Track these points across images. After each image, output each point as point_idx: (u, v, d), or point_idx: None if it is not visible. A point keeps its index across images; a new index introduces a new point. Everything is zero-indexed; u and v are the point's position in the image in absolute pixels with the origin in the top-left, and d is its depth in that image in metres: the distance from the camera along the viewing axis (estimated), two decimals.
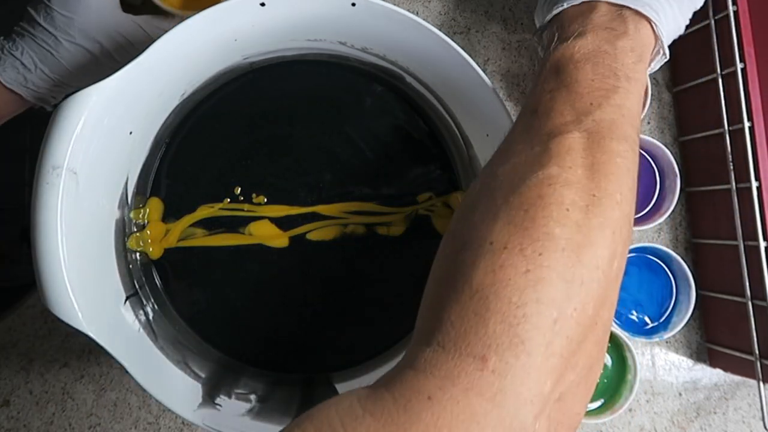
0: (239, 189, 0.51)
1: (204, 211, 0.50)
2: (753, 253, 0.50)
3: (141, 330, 0.45)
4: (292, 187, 0.51)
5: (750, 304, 0.50)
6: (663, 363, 0.57)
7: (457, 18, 0.59)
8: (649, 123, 0.59)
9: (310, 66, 0.52)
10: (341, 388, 0.49)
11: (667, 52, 0.39)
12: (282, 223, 0.51)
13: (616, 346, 0.52)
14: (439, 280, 0.28)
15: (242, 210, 0.51)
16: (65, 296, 0.37)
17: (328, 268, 0.51)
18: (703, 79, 0.54)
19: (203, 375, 0.46)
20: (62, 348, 0.53)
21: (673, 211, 0.54)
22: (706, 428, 0.56)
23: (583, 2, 0.37)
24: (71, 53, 0.43)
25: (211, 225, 0.50)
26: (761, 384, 0.50)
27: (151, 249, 0.50)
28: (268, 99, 0.52)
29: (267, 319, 0.50)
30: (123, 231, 0.48)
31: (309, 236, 0.51)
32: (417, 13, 0.59)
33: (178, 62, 0.45)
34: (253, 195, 0.51)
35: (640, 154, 0.54)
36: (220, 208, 0.51)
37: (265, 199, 0.51)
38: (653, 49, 0.38)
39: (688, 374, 0.57)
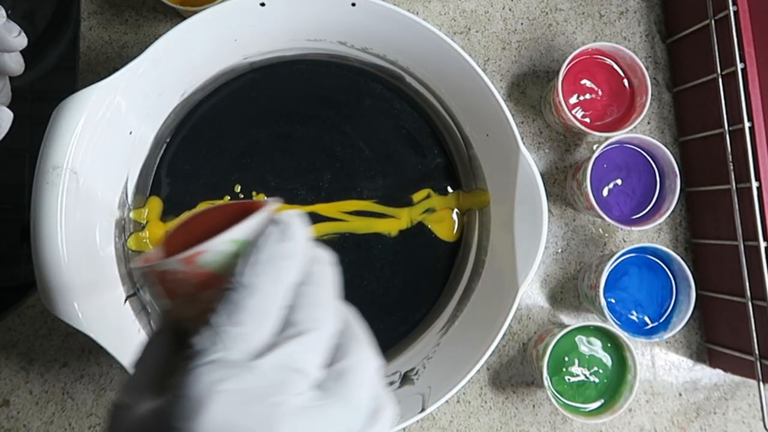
0: (239, 187, 0.51)
1: (204, 208, 0.50)
2: (753, 253, 0.50)
3: (141, 330, 0.45)
4: (292, 186, 0.51)
5: (750, 304, 0.50)
6: (663, 363, 0.57)
7: (457, 18, 0.59)
8: (649, 123, 0.59)
9: (310, 66, 0.52)
10: None
11: None
12: None
13: (616, 347, 0.52)
14: None
15: None
16: (65, 296, 0.37)
17: None
18: (703, 79, 0.54)
19: None
20: (62, 348, 0.53)
21: (673, 211, 0.53)
22: (706, 428, 0.56)
23: None
24: None
25: None
26: (761, 384, 0.50)
27: (152, 249, 0.50)
28: (268, 99, 0.52)
29: None
30: (123, 231, 0.48)
31: None
32: (417, 13, 0.59)
33: (178, 62, 0.45)
34: (253, 193, 0.51)
35: (641, 154, 0.55)
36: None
37: (265, 197, 0.51)
38: None
39: (688, 374, 0.57)
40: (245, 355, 0.21)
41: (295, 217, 0.24)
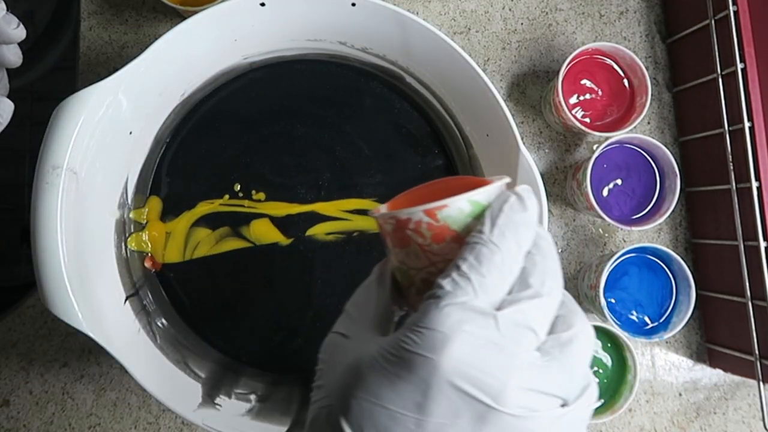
0: (239, 186, 0.51)
1: (204, 207, 0.50)
2: (753, 253, 0.50)
3: (141, 330, 0.45)
4: (292, 185, 0.51)
5: (750, 304, 0.50)
6: (663, 363, 0.57)
7: (457, 18, 0.59)
8: (649, 123, 0.59)
9: (310, 66, 0.52)
10: None
11: None
12: (282, 223, 0.51)
13: (616, 347, 0.52)
14: None
15: (242, 206, 0.51)
16: (65, 296, 0.37)
17: (328, 267, 0.51)
18: (703, 79, 0.54)
19: (203, 375, 0.46)
20: (62, 348, 0.53)
21: (673, 211, 0.53)
22: (706, 428, 0.56)
23: None
24: None
25: (213, 223, 0.50)
26: (761, 384, 0.50)
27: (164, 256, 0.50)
28: (268, 99, 0.52)
29: (267, 320, 0.50)
30: (123, 231, 0.48)
31: (309, 236, 0.51)
32: (417, 13, 0.59)
33: (178, 62, 0.45)
34: (253, 191, 0.51)
35: (641, 154, 0.55)
36: (221, 204, 0.51)
37: (265, 196, 0.51)
38: None
39: (688, 374, 0.57)
40: (488, 305, 0.23)
41: (529, 192, 0.25)
